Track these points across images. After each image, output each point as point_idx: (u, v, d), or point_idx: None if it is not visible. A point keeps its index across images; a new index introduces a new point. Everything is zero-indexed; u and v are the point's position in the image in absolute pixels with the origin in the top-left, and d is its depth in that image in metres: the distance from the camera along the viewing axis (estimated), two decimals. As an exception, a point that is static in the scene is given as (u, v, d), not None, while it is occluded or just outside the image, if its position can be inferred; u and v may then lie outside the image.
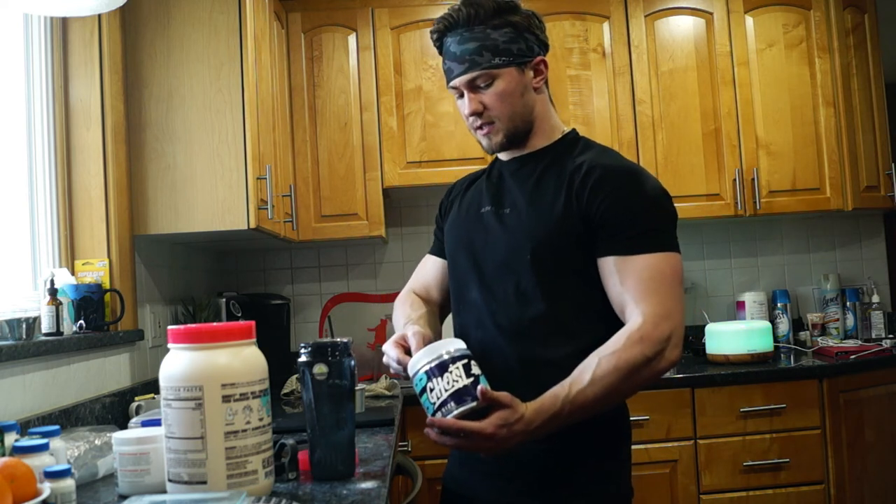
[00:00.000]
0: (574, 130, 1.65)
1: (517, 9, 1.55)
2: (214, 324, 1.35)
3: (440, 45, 1.59)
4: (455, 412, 1.31)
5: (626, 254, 1.44)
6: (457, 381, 1.33)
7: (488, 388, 1.33)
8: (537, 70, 1.58)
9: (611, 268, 1.46)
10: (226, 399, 1.25)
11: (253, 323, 1.35)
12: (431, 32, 1.60)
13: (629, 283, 1.43)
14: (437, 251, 1.80)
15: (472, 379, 1.33)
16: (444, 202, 1.79)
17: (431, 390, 1.35)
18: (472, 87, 1.54)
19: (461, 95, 1.58)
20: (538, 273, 1.49)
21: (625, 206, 1.46)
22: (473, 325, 1.58)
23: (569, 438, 1.47)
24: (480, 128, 1.57)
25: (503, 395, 1.32)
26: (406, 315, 1.69)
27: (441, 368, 1.35)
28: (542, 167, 1.57)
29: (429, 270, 1.81)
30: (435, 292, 1.78)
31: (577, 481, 1.49)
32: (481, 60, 1.51)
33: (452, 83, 1.57)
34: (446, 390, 1.32)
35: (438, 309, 1.77)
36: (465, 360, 1.36)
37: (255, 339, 1.36)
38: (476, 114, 1.55)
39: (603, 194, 1.46)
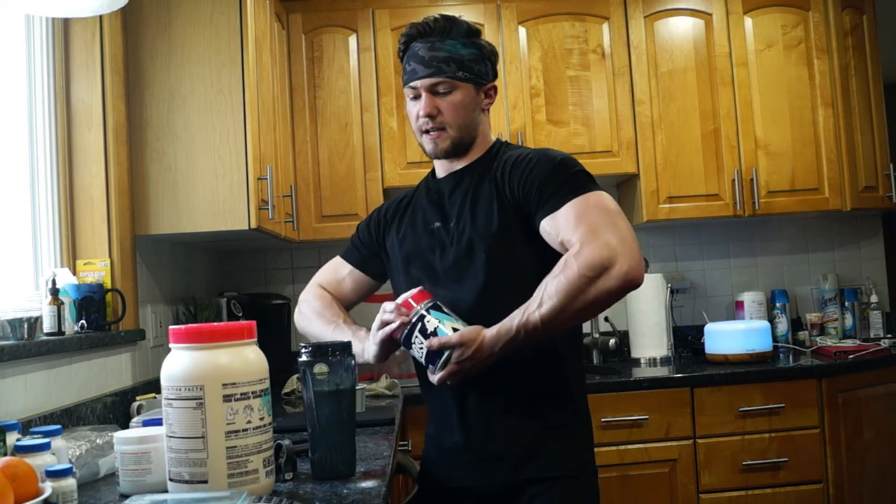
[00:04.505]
0: (499, 139, 1.77)
1: (481, 36, 1.72)
2: (215, 324, 1.36)
3: (405, 48, 1.70)
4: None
5: (552, 212, 1.53)
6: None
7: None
8: (488, 94, 1.72)
9: (546, 229, 1.55)
10: (227, 399, 1.26)
11: (254, 323, 1.36)
12: (403, 35, 1.71)
13: (562, 230, 1.51)
14: (357, 262, 1.91)
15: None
16: (378, 220, 1.87)
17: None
18: (432, 91, 1.65)
19: (416, 97, 1.68)
20: (496, 274, 1.59)
21: (535, 175, 1.57)
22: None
23: (530, 420, 1.61)
24: (428, 132, 1.67)
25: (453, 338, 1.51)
26: (333, 315, 1.83)
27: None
28: (476, 179, 1.68)
29: (346, 278, 1.92)
30: (346, 297, 1.92)
31: (542, 459, 1.61)
32: (447, 69, 1.64)
33: (413, 83, 1.67)
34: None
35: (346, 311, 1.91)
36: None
37: (255, 339, 1.36)
38: (430, 116, 1.65)
39: (517, 176, 1.60)
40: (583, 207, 1.51)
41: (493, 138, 1.78)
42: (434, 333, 1.52)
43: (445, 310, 1.57)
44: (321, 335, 1.80)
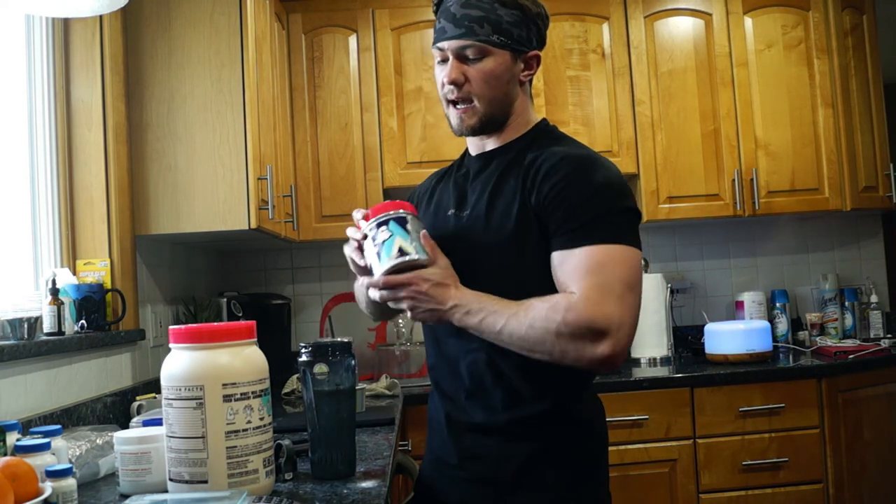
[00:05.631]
0: (544, 120, 1.56)
1: None
2: (215, 324, 1.36)
3: (439, 3, 1.50)
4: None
5: (567, 247, 1.35)
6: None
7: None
8: (528, 63, 1.50)
9: (554, 263, 1.38)
10: (227, 398, 1.26)
11: (254, 323, 1.36)
12: None
13: (568, 273, 1.34)
14: None
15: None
16: (412, 198, 1.71)
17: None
18: (460, 55, 1.45)
19: (443, 61, 1.48)
20: (504, 280, 1.42)
21: (568, 194, 1.37)
22: (434, 329, 1.55)
23: (540, 440, 1.44)
24: (455, 103, 1.47)
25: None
26: None
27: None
28: (504, 166, 1.49)
29: None
30: None
31: (547, 484, 1.44)
32: (480, 31, 1.42)
33: (440, 44, 1.46)
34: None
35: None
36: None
37: (255, 339, 1.36)
38: (455, 84, 1.45)
39: (550, 184, 1.39)
40: (602, 260, 1.32)
41: (537, 117, 1.56)
42: (379, 250, 1.38)
43: (409, 226, 1.40)
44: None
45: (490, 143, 1.54)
